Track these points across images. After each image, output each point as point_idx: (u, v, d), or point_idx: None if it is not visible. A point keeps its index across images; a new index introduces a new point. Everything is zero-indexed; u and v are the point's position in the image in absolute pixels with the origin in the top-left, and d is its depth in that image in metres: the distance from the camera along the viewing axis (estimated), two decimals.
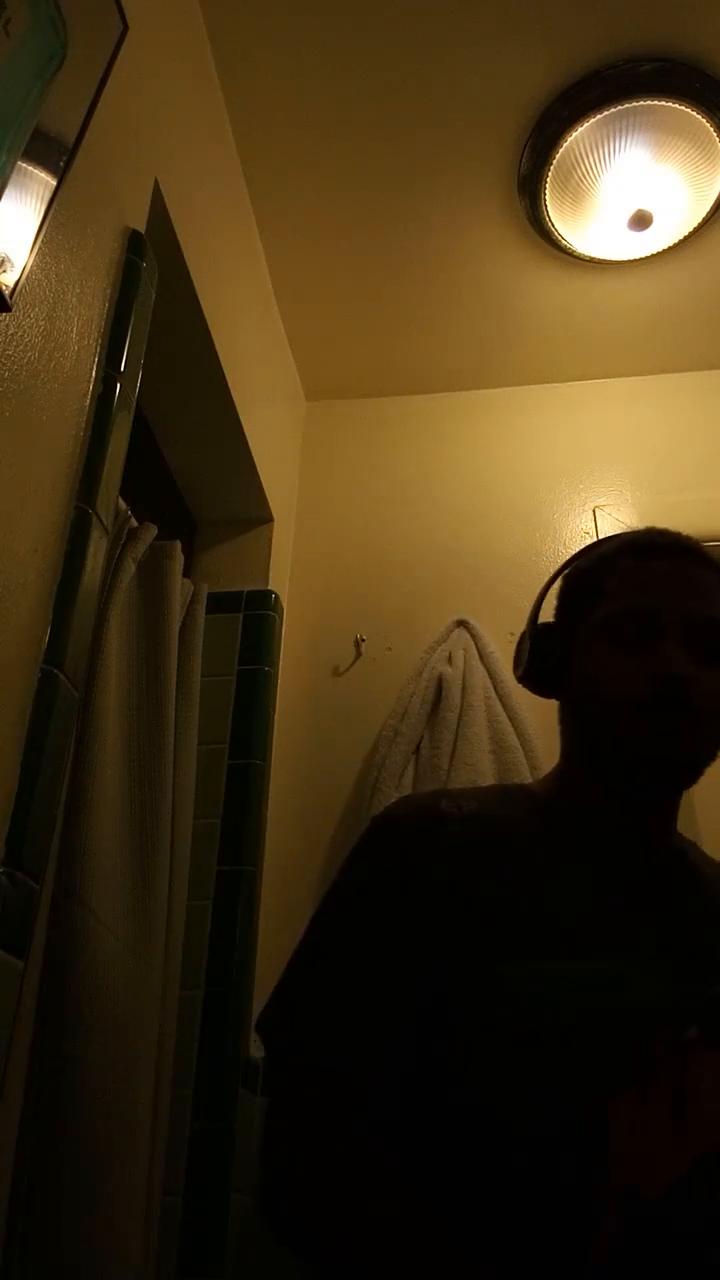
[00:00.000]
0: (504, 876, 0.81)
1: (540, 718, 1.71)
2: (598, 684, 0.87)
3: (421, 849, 0.82)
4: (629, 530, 0.98)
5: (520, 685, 0.97)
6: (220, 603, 1.76)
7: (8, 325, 0.92)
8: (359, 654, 1.94)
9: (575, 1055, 0.71)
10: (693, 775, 0.88)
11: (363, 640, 1.94)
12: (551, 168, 1.74)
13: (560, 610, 0.97)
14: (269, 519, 1.96)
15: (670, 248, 1.90)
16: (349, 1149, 0.72)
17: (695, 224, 1.83)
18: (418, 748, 1.69)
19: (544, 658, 0.95)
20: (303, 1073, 0.78)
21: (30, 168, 0.93)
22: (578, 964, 0.74)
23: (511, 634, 1.91)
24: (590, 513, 2.05)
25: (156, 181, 1.34)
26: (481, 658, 1.79)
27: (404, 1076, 0.76)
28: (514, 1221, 0.68)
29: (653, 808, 0.90)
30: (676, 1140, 0.68)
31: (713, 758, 0.88)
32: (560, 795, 0.92)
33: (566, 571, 0.99)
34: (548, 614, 0.99)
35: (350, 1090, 0.75)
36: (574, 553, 1.01)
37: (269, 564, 1.92)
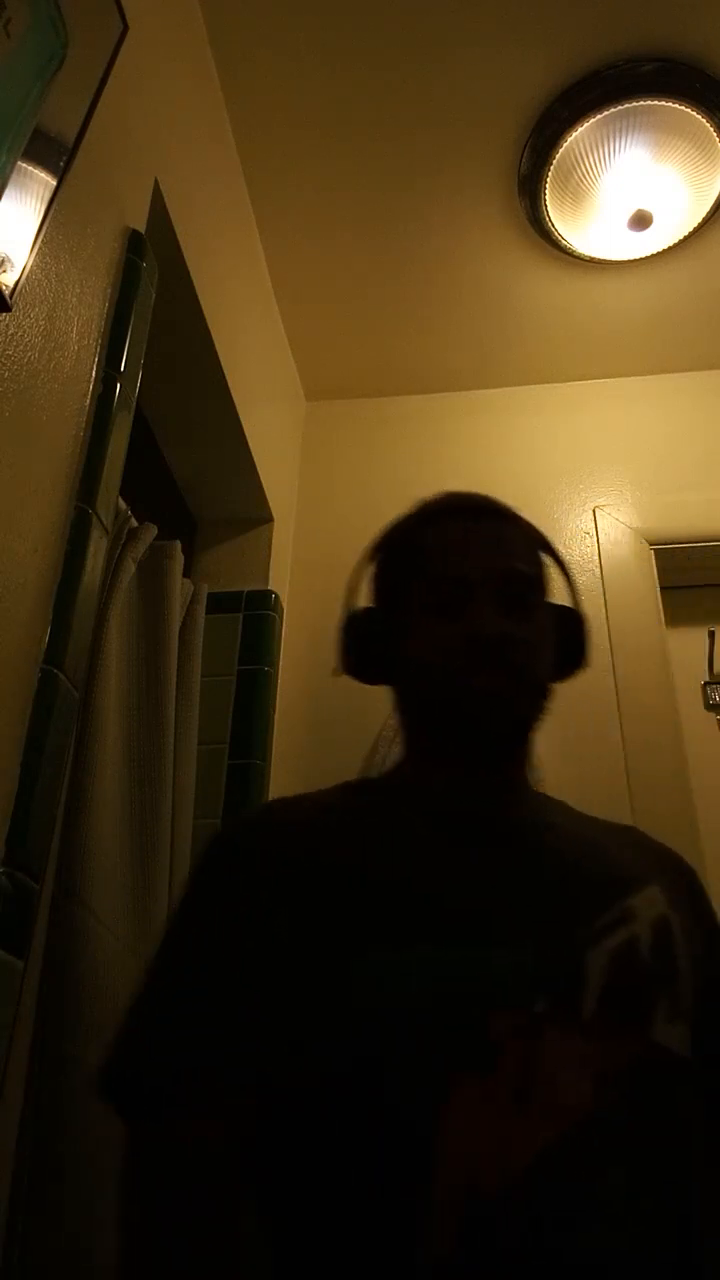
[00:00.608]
0: (343, 869, 0.77)
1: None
2: (423, 657, 0.87)
3: (258, 858, 0.80)
4: (426, 500, 0.99)
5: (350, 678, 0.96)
6: (220, 603, 1.76)
7: (8, 325, 0.92)
8: None
9: (416, 1047, 0.66)
10: (523, 730, 0.87)
11: None
12: (551, 168, 1.74)
13: (377, 595, 0.97)
14: (269, 519, 1.96)
15: (670, 248, 1.90)
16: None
17: (695, 224, 1.83)
18: None
19: (366, 644, 0.95)
20: (154, 1128, 0.72)
21: (30, 168, 0.93)
22: (422, 948, 0.70)
23: None
24: (590, 513, 2.05)
25: (156, 181, 1.34)
26: None
27: (254, 1095, 0.71)
28: (355, 1232, 0.64)
29: (495, 773, 0.87)
30: (520, 1128, 0.63)
31: (540, 709, 0.88)
32: (405, 780, 0.91)
33: (376, 555, 1.00)
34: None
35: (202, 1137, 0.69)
36: (379, 537, 1.02)
37: (269, 564, 1.92)
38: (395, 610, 0.93)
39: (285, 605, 1.96)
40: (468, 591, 0.86)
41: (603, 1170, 0.63)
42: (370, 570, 0.99)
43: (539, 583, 0.94)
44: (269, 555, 1.93)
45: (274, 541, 1.95)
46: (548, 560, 0.99)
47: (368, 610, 0.97)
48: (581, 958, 0.71)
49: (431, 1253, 0.61)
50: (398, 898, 0.74)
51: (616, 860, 0.84)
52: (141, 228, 1.28)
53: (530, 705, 0.87)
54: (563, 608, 0.97)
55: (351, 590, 1.00)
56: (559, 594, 1.00)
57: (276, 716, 1.83)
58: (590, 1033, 0.68)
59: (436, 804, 0.85)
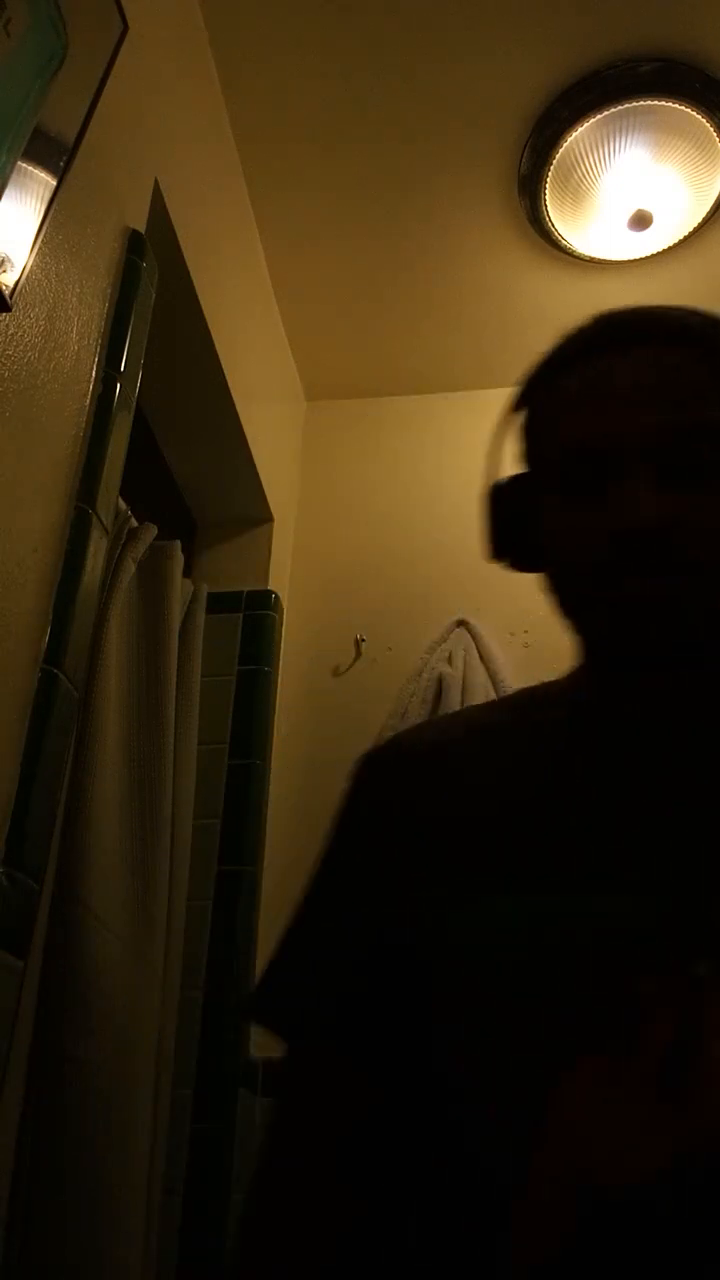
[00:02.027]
0: (467, 803, 0.65)
1: None
2: (558, 551, 0.67)
3: (379, 789, 0.71)
4: (578, 324, 0.72)
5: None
6: (220, 603, 1.76)
7: (8, 325, 0.92)
8: (359, 654, 1.94)
9: (532, 1011, 0.56)
10: (699, 642, 0.63)
11: (363, 640, 1.94)
12: (551, 168, 1.74)
13: (522, 457, 0.74)
14: (269, 519, 1.96)
15: (670, 248, 1.90)
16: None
17: (695, 224, 1.83)
18: None
19: (504, 526, 0.73)
20: (294, 1063, 0.67)
21: (30, 168, 0.93)
22: (548, 894, 0.58)
23: (511, 634, 1.92)
24: None
25: (156, 181, 1.34)
26: (482, 658, 1.79)
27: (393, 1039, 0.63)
28: (442, 1225, 0.58)
29: (659, 693, 0.65)
30: (661, 1118, 0.49)
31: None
32: (574, 686, 0.72)
33: (519, 404, 0.74)
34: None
35: (339, 1078, 0.63)
36: (525, 374, 0.75)
37: (269, 564, 1.92)
38: (534, 481, 0.70)
39: (285, 605, 1.96)
40: (616, 465, 0.62)
41: None
42: (518, 422, 0.74)
43: None
44: (269, 555, 1.93)
45: (274, 541, 1.96)
46: None
47: (512, 480, 0.73)
48: None
49: (524, 1257, 0.51)
50: (506, 838, 0.61)
51: None
52: (141, 228, 1.28)
53: (705, 610, 0.62)
54: None
55: (495, 449, 0.75)
56: None
57: (276, 716, 1.83)
58: None
59: (582, 726, 0.68)
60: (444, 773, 0.68)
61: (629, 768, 0.63)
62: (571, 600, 0.67)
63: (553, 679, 0.74)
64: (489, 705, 0.78)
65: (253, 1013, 0.70)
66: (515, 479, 0.73)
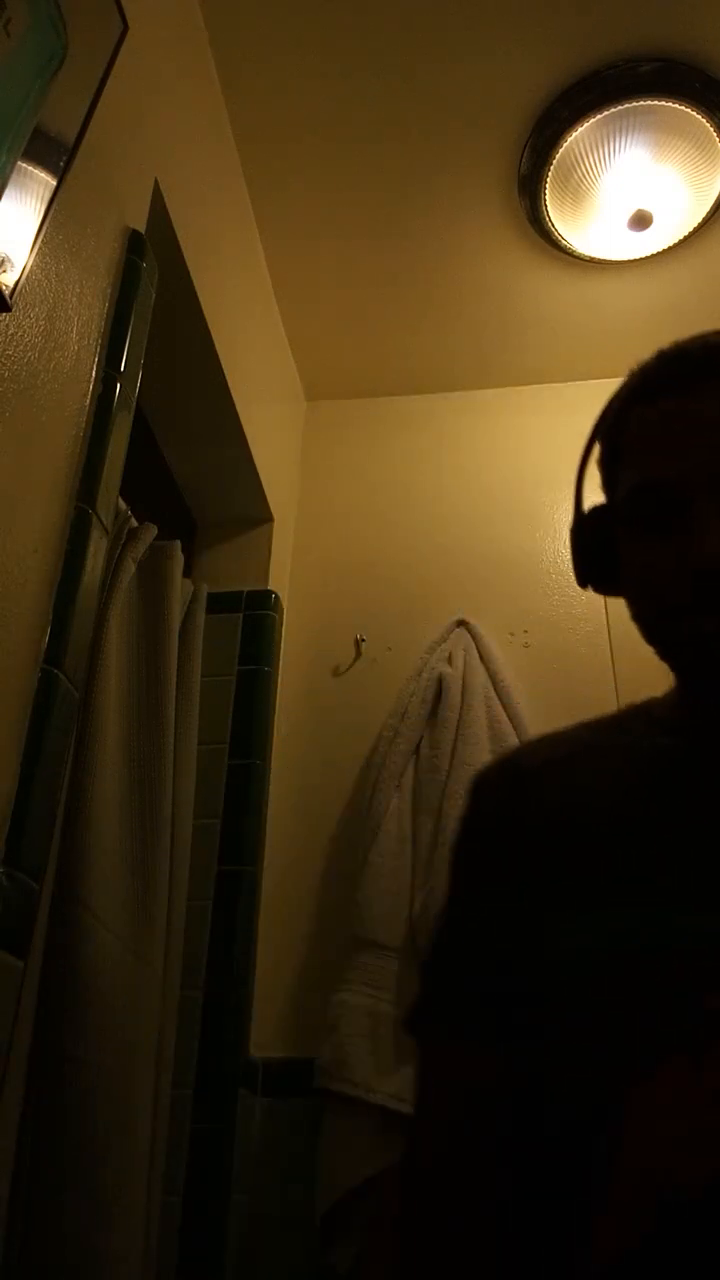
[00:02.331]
0: (567, 822, 0.68)
1: (541, 717, 1.71)
2: (630, 584, 0.70)
3: (492, 807, 0.74)
4: (644, 360, 0.74)
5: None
6: (220, 603, 1.76)
7: (8, 325, 0.92)
8: (359, 654, 1.94)
9: (616, 1018, 0.59)
10: None
11: (363, 640, 1.94)
12: (551, 168, 1.74)
13: (603, 485, 0.77)
14: (269, 519, 1.96)
15: (670, 248, 1.90)
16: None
17: (695, 224, 1.83)
18: (418, 748, 1.69)
19: (588, 554, 0.76)
20: (431, 1058, 0.71)
21: (30, 168, 0.93)
22: (621, 910, 0.61)
23: (511, 634, 1.93)
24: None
25: (156, 181, 1.34)
26: (482, 658, 1.79)
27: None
28: (533, 1218, 0.60)
29: None
30: None
31: None
32: (670, 708, 0.74)
33: (596, 437, 0.78)
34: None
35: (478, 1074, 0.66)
36: (604, 407, 0.78)
37: (269, 564, 1.92)
38: (613, 513, 0.74)
39: (285, 605, 1.96)
40: (688, 500, 0.64)
41: None
42: (598, 450, 0.77)
43: None
44: (269, 555, 1.93)
45: (274, 541, 1.96)
46: None
47: (593, 510, 0.76)
48: None
49: (603, 1256, 0.54)
50: (602, 855, 0.65)
51: None
52: (141, 228, 1.28)
53: None
54: None
55: (579, 479, 0.79)
56: None
57: (276, 716, 1.83)
58: None
59: (675, 749, 0.70)
60: (549, 792, 0.72)
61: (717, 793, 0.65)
62: (653, 633, 0.70)
63: (653, 696, 0.78)
64: (595, 723, 0.80)
65: (412, 1024, 0.74)
66: (596, 510, 0.76)
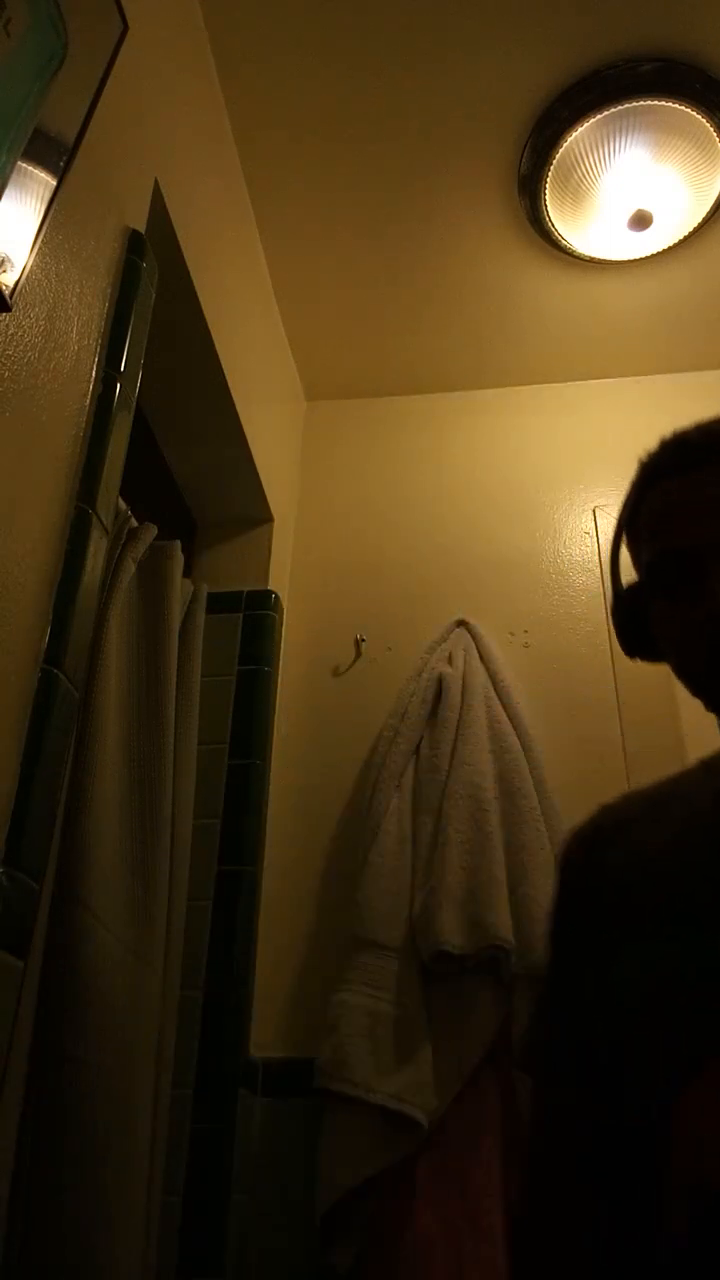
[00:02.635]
0: (631, 875, 0.76)
1: (541, 717, 1.71)
2: (665, 648, 0.78)
3: (578, 860, 0.82)
4: (650, 450, 0.84)
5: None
6: (220, 603, 1.76)
7: (8, 325, 0.92)
8: (359, 654, 1.94)
9: (670, 1033, 0.65)
10: None
11: (363, 640, 1.94)
12: (551, 168, 1.74)
13: (634, 567, 0.85)
14: (269, 519, 1.96)
15: (670, 248, 1.90)
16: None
17: (695, 224, 1.83)
18: (418, 748, 1.69)
19: (628, 628, 0.84)
20: (540, 1105, 0.80)
21: (30, 168, 0.93)
22: (674, 937, 0.68)
23: (511, 634, 1.93)
24: (590, 513, 2.05)
25: (156, 181, 1.34)
26: (481, 658, 1.79)
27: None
28: (614, 1214, 0.68)
29: None
30: None
31: None
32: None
33: (620, 525, 0.86)
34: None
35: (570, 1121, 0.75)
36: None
37: (269, 564, 1.92)
38: (643, 587, 0.81)
39: (285, 605, 1.96)
40: (697, 566, 0.72)
41: None
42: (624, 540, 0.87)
43: None
44: (269, 555, 1.93)
45: (274, 541, 1.95)
46: None
47: (628, 588, 0.84)
48: None
49: (668, 1242, 0.59)
50: (653, 899, 0.72)
51: None
52: (141, 228, 1.28)
53: None
54: None
55: (613, 566, 0.88)
56: None
57: (276, 716, 1.83)
58: None
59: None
60: (616, 851, 0.79)
61: None
62: (694, 688, 0.77)
63: None
64: (676, 775, 0.88)
65: (523, 1064, 0.88)
66: (629, 588, 0.85)
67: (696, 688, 0.77)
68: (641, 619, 0.81)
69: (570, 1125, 0.75)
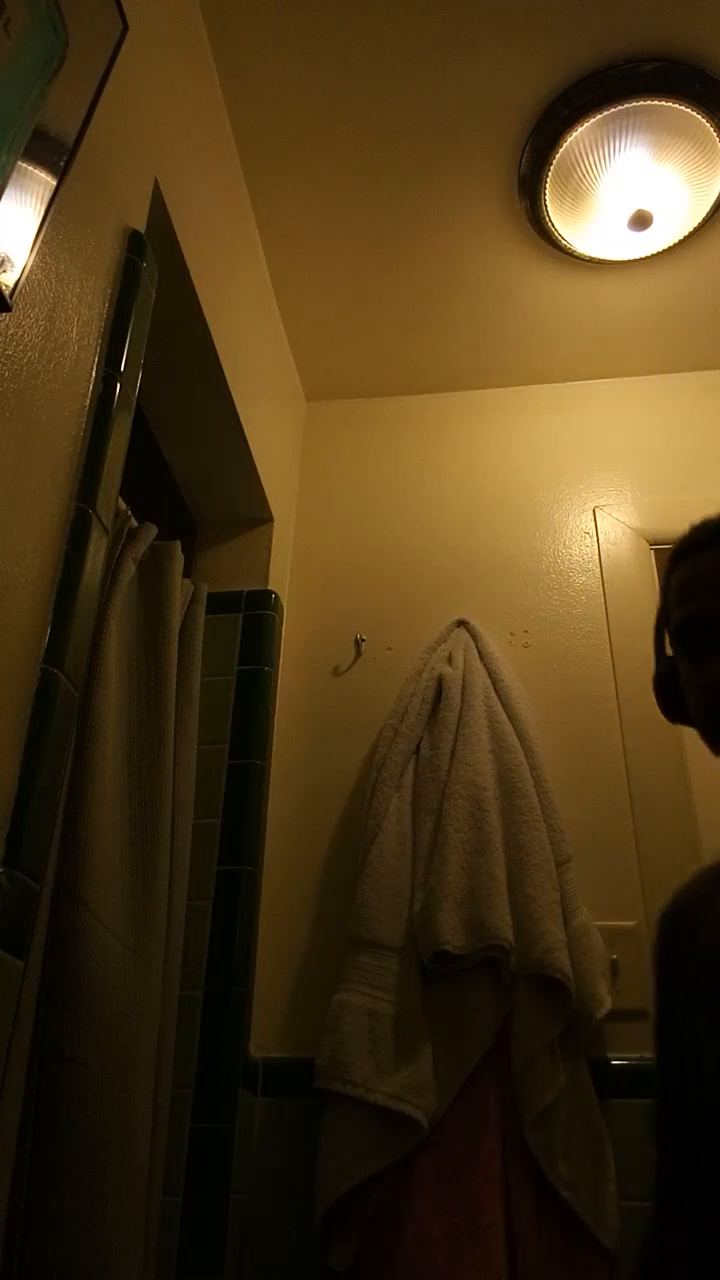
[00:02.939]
0: (702, 952, 0.80)
1: (541, 717, 1.71)
2: (691, 706, 0.86)
3: (663, 941, 0.87)
4: (683, 535, 0.94)
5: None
6: (220, 603, 1.76)
7: (8, 325, 0.92)
8: (359, 654, 1.94)
9: None
10: None
11: (363, 640, 1.95)
12: (551, 168, 1.74)
13: (670, 640, 0.96)
14: (269, 519, 1.96)
15: (670, 248, 1.90)
16: None
17: (695, 224, 1.83)
18: (418, 748, 1.69)
19: (666, 694, 0.93)
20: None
21: (30, 168, 0.93)
22: None
23: (511, 634, 1.93)
24: (590, 513, 2.05)
25: (156, 181, 1.34)
26: (481, 658, 1.79)
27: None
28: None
29: None
30: None
31: None
32: None
33: (661, 595, 0.97)
34: None
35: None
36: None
37: (269, 564, 1.92)
38: (675, 655, 0.91)
39: (285, 605, 1.96)
40: (711, 634, 0.82)
41: None
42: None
43: None
44: (269, 555, 1.93)
45: (274, 541, 1.95)
46: None
47: (666, 659, 0.94)
48: None
49: None
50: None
51: None
52: (141, 228, 1.28)
53: None
54: None
55: (657, 643, 0.98)
56: None
57: (276, 716, 1.83)
58: None
59: None
60: (688, 924, 0.85)
61: None
62: (712, 747, 0.84)
63: None
64: None
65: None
66: (667, 659, 0.94)
67: (713, 746, 0.84)
68: (676, 684, 0.90)
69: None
